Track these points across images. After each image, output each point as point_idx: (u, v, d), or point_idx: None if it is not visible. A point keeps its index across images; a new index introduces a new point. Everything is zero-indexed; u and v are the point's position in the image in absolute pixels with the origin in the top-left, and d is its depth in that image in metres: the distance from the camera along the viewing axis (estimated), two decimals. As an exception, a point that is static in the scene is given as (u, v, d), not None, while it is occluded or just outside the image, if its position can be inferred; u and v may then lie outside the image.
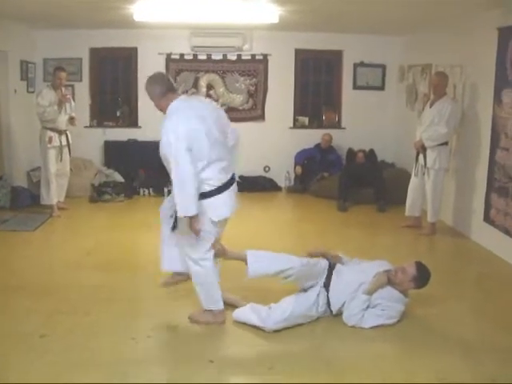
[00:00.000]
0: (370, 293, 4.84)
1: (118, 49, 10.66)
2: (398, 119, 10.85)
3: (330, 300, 4.91)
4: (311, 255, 5.08)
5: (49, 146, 8.40)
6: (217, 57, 10.81)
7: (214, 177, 4.54)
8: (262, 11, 8.01)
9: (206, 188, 4.53)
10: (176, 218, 4.63)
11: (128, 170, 10.25)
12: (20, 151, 9.47)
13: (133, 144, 10.54)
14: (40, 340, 4.48)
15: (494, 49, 6.91)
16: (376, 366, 4.20)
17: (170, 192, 4.59)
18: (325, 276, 4.95)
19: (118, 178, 10.21)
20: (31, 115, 8.80)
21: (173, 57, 10.70)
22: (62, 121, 8.49)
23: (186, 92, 10.13)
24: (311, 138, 10.83)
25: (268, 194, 10.47)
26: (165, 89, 4.62)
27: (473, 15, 7.45)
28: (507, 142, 6.68)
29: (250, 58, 10.85)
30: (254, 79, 10.94)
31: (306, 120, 11.28)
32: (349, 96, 11.18)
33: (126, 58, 10.82)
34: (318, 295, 4.87)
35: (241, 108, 10.74)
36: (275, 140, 10.80)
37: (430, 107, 7.74)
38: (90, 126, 10.75)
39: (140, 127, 10.72)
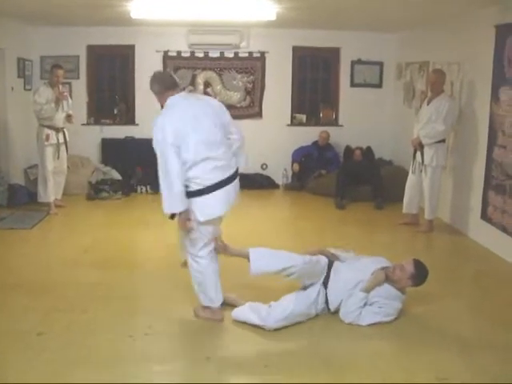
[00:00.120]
0: (367, 290, 4.84)
1: (116, 46, 10.65)
2: (396, 117, 10.86)
3: (329, 298, 4.91)
4: (310, 254, 5.08)
5: (46, 143, 8.39)
6: (214, 54, 10.81)
7: (201, 176, 4.52)
8: (259, 8, 8.01)
9: (194, 187, 4.54)
10: None
11: (125, 167, 10.24)
12: (17, 149, 9.46)
13: (130, 141, 10.53)
14: (37, 338, 4.48)
15: (491, 46, 6.91)
16: (374, 363, 4.20)
17: None
18: (325, 274, 4.95)
19: (116, 175, 10.20)
20: (28, 113, 8.79)
21: (170, 54, 10.68)
22: (59, 118, 8.48)
23: (183, 89, 10.10)
24: (309, 135, 10.83)
25: (265, 192, 10.47)
26: (163, 87, 4.69)
27: (470, 13, 7.45)
28: (504, 139, 6.69)
29: (247, 55, 10.84)
30: (252, 77, 10.94)
31: (303, 117, 11.28)
32: (346, 93, 11.19)
33: (124, 56, 10.81)
34: (317, 294, 4.87)
35: (238, 105, 10.73)
36: (272, 137, 10.80)
37: (428, 105, 7.73)
38: (88, 124, 10.75)
39: (137, 125, 10.71)
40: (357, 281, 4.87)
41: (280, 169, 10.93)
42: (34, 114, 8.43)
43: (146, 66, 10.57)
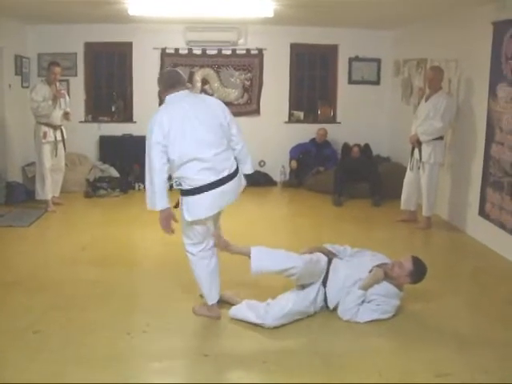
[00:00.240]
0: (365, 288, 4.84)
1: (113, 43, 10.65)
2: (394, 113, 10.87)
3: (327, 296, 4.90)
4: (308, 252, 5.08)
5: (43, 141, 8.38)
6: (212, 51, 10.81)
7: (190, 176, 4.52)
8: (256, 5, 8.02)
9: (185, 186, 4.57)
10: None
11: (123, 164, 10.24)
12: (15, 146, 9.45)
13: (128, 139, 10.52)
14: (35, 336, 4.47)
15: (489, 43, 6.91)
16: (372, 360, 4.20)
17: (171, 187, 4.60)
18: (324, 273, 4.94)
19: (114, 173, 10.20)
20: (26, 110, 8.78)
21: (168, 51, 10.68)
22: (56, 116, 8.47)
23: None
24: (306, 132, 10.84)
25: (263, 189, 10.46)
26: (165, 85, 4.77)
27: (468, 9, 7.45)
28: (502, 136, 6.69)
29: (244, 52, 10.84)
30: (249, 74, 10.94)
31: (301, 114, 11.28)
32: (344, 90, 11.19)
33: (121, 53, 10.82)
34: (317, 293, 4.86)
35: (236, 103, 10.72)
36: (270, 134, 10.79)
37: (426, 102, 7.74)
38: (85, 121, 10.75)
39: (135, 122, 10.71)
40: (355, 279, 4.87)
41: (278, 166, 10.93)
42: (31, 112, 8.42)
43: (144, 63, 10.61)
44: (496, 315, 5.06)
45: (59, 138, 8.60)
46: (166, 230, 4.66)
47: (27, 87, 9.57)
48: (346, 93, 11.17)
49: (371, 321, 4.79)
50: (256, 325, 4.68)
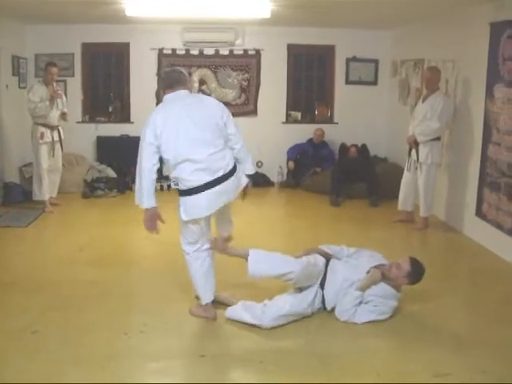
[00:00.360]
0: (363, 289, 4.84)
1: (110, 44, 10.64)
2: (391, 114, 10.88)
3: (325, 298, 4.90)
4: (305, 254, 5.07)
5: (41, 141, 8.37)
6: (209, 52, 10.80)
7: (184, 177, 4.55)
8: (254, 6, 8.02)
9: (182, 187, 4.61)
10: None
11: (120, 165, 10.23)
12: (12, 147, 9.44)
13: (125, 139, 10.51)
14: (33, 336, 4.47)
15: (486, 44, 6.92)
16: (369, 361, 4.21)
17: (169, 187, 4.64)
18: (322, 275, 4.94)
19: (111, 173, 10.20)
20: (23, 111, 8.77)
21: (165, 52, 10.68)
22: (53, 116, 8.46)
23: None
24: (304, 132, 10.84)
25: (260, 189, 10.45)
26: (164, 85, 4.84)
27: (465, 10, 7.46)
28: (499, 136, 6.70)
29: (242, 52, 10.84)
30: (247, 74, 10.94)
31: (298, 115, 11.29)
32: (341, 91, 11.19)
33: (119, 54, 10.81)
34: (314, 295, 4.86)
35: (233, 103, 10.71)
36: (267, 135, 10.79)
37: (423, 102, 7.75)
38: (83, 122, 10.73)
39: (132, 123, 10.70)
40: (353, 280, 4.86)
41: (275, 166, 10.94)
42: (29, 112, 8.42)
43: (141, 63, 10.61)
44: (493, 315, 5.07)
45: (56, 138, 8.60)
46: (150, 231, 4.72)
47: (24, 88, 9.56)
48: (343, 93, 11.18)
49: (369, 322, 4.80)
50: (253, 325, 4.68)
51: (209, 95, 10.07)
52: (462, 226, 7.73)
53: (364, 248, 5.39)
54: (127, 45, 10.65)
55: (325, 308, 4.94)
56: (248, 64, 10.90)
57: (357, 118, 11.01)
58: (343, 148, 10.46)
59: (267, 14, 8.35)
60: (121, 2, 7.78)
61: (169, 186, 9.94)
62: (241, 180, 4.79)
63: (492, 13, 6.80)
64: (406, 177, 8.06)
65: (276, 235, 7.54)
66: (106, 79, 11.00)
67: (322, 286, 4.91)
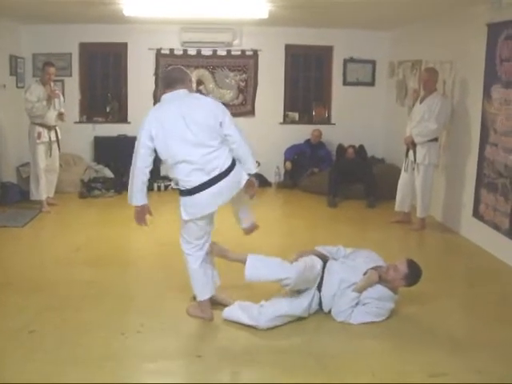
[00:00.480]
0: (359, 291, 4.84)
1: (108, 44, 10.64)
2: (388, 115, 10.89)
3: (322, 300, 4.90)
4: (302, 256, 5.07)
5: (38, 141, 8.36)
6: (207, 52, 10.80)
7: (182, 178, 4.57)
8: (251, 6, 8.02)
9: (181, 187, 4.64)
10: None
11: (118, 165, 10.21)
12: (9, 146, 9.43)
13: (122, 139, 10.50)
14: (29, 336, 4.47)
15: (483, 45, 6.93)
16: (366, 361, 4.21)
17: (166, 188, 4.67)
18: (319, 278, 4.94)
19: (108, 173, 10.20)
20: (20, 110, 8.75)
21: (163, 52, 10.67)
22: (50, 116, 8.46)
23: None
24: (301, 133, 10.85)
25: (258, 190, 10.36)
26: (163, 85, 4.86)
27: (462, 11, 7.47)
28: (496, 137, 6.71)
29: (239, 53, 10.84)
30: (244, 75, 10.94)
31: (296, 115, 11.29)
32: (339, 92, 11.20)
33: (116, 54, 10.81)
34: (312, 298, 4.85)
35: (231, 103, 10.70)
36: (265, 135, 10.77)
37: (420, 103, 7.75)
38: (80, 122, 10.73)
39: (130, 123, 10.69)
40: (350, 283, 4.85)
41: (272, 167, 10.92)
42: (26, 112, 8.41)
43: (139, 63, 10.60)
44: (490, 316, 5.07)
45: (53, 138, 8.59)
46: (139, 224, 4.81)
47: (22, 87, 9.54)
48: (340, 94, 11.19)
49: (365, 323, 4.80)
50: (249, 326, 4.69)
51: (207, 96, 10.06)
52: (459, 226, 7.74)
53: (361, 248, 5.39)
54: (125, 45, 10.64)
55: (321, 309, 4.94)
56: (246, 64, 10.90)
57: (354, 118, 11.01)
58: (340, 149, 10.46)
59: (265, 15, 8.36)
60: (119, 2, 7.78)
61: (166, 187, 9.95)
62: (242, 178, 4.73)
63: (489, 14, 6.81)
64: (404, 178, 8.07)
65: (273, 236, 7.53)
66: (103, 79, 10.99)
67: (319, 288, 4.90)
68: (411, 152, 7.79)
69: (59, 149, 8.79)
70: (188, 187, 4.56)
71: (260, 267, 4.69)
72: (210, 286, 4.92)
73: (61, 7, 8.13)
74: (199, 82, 10.78)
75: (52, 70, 8.44)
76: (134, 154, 4.60)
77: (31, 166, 8.64)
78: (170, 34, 10.52)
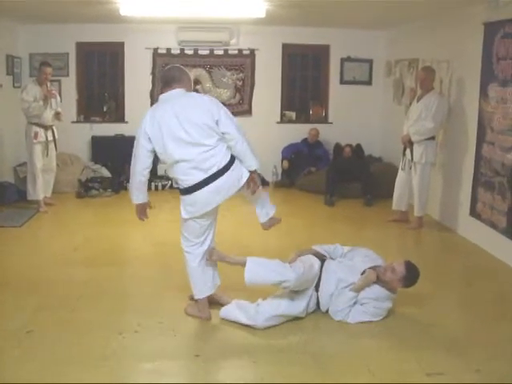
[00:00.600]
0: (357, 290, 4.83)
1: (105, 43, 10.63)
2: (385, 114, 10.89)
3: (320, 300, 4.90)
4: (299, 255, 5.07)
5: (34, 141, 8.35)
6: (204, 51, 10.79)
7: (180, 177, 4.59)
8: (248, 6, 8.02)
9: (180, 186, 4.67)
10: None
11: (115, 165, 10.21)
12: (6, 146, 9.43)
13: (120, 139, 10.50)
14: (27, 336, 4.47)
15: (480, 44, 6.94)
16: (364, 360, 4.21)
17: (163, 187, 4.70)
18: (317, 278, 4.94)
19: (105, 173, 10.20)
20: (17, 110, 8.73)
21: (160, 51, 10.66)
22: (47, 116, 8.44)
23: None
24: (298, 132, 10.85)
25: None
26: (162, 84, 4.82)
27: (459, 10, 7.47)
28: (493, 136, 6.72)
29: (236, 52, 10.84)
30: (241, 74, 10.94)
31: (293, 115, 11.30)
32: (336, 91, 11.20)
33: (113, 53, 10.80)
34: (309, 298, 4.85)
35: (228, 103, 10.69)
36: (262, 135, 10.73)
37: (417, 102, 7.76)
38: (77, 122, 10.72)
39: (127, 122, 10.69)
40: (348, 283, 4.85)
41: (270, 166, 10.92)
42: (23, 112, 8.40)
43: (136, 63, 10.60)
44: (488, 314, 5.08)
45: (50, 138, 8.58)
46: (140, 218, 4.91)
47: (19, 87, 9.53)
48: (337, 93, 11.19)
49: (363, 322, 4.80)
50: (247, 325, 4.69)
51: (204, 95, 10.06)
52: (456, 225, 7.75)
53: (359, 247, 5.39)
54: (122, 44, 10.64)
55: (319, 308, 4.94)
56: (243, 64, 10.90)
57: (351, 117, 11.02)
58: (338, 148, 10.47)
59: (262, 14, 8.35)
60: (115, 2, 7.77)
61: (163, 186, 9.95)
62: (242, 175, 4.69)
63: (486, 13, 6.82)
64: (401, 176, 8.07)
65: (270, 235, 7.49)
66: (100, 79, 10.98)
67: (316, 287, 4.90)
68: (408, 151, 7.80)
69: (56, 148, 8.78)
70: (186, 186, 4.57)
71: (260, 270, 4.68)
72: (209, 285, 4.91)
73: (58, 7, 8.12)
74: (196, 82, 10.76)
75: (49, 69, 8.43)
76: (133, 155, 4.61)
77: (28, 165, 8.63)
78: (167, 34, 10.51)
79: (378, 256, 5.17)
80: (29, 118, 8.38)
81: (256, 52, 10.86)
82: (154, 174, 9.20)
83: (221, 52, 10.82)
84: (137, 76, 10.61)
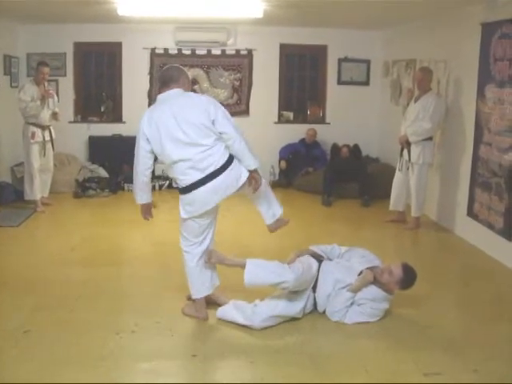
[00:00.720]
0: (354, 291, 4.84)
1: (103, 43, 10.62)
2: (383, 114, 10.90)
3: (317, 301, 4.90)
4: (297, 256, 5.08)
5: (32, 141, 8.35)
6: (201, 51, 10.79)
7: (178, 176, 4.61)
8: (246, 6, 8.02)
9: (178, 186, 4.70)
10: None
11: (112, 165, 10.22)
12: (3, 146, 9.41)
13: (117, 139, 10.50)
14: (25, 336, 4.46)
15: (477, 44, 6.94)
16: (360, 360, 4.21)
17: (160, 187, 4.72)
18: (315, 279, 4.94)
19: (103, 173, 10.19)
20: (15, 110, 8.72)
21: (157, 51, 10.66)
22: (44, 116, 8.44)
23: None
24: (296, 132, 10.85)
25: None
26: (160, 84, 4.81)
27: (456, 11, 7.48)
28: (490, 136, 6.72)
29: (234, 52, 10.84)
30: (239, 74, 10.94)
31: (290, 115, 11.30)
32: (333, 91, 11.21)
33: (111, 53, 10.79)
34: (307, 299, 4.85)
35: (225, 103, 10.68)
36: (260, 135, 10.73)
37: (415, 102, 7.77)
38: (75, 121, 10.71)
39: (124, 122, 10.69)
40: (345, 284, 4.85)
41: (267, 166, 10.90)
42: (20, 112, 8.39)
43: (134, 63, 10.59)
44: (485, 315, 5.08)
45: (48, 138, 8.58)
46: (145, 218, 4.96)
47: (16, 87, 9.51)
48: (335, 93, 11.20)
49: (360, 322, 4.81)
50: (244, 326, 4.69)
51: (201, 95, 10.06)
52: (453, 225, 7.75)
53: (356, 247, 5.39)
54: (119, 44, 10.63)
55: (316, 310, 4.94)
56: (240, 64, 10.90)
57: (349, 118, 11.03)
58: (335, 148, 10.47)
59: (260, 14, 8.35)
60: (113, 2, 7.76)
61: (160, 186, 9.94)
62: (241, 175, 4.68)
63: (483, 13, 6.83)
64: (398, 177, 8.08)
65: (270, 234, 7.49)
66: (98, 79, 10.97)
67: (313, 288, 4.90)
68: (406, 151, 7.81)
69: (53, 148, 8.78)
70: (183, 185, 4.58)
71: (259, 272, 4.68)
72: (206, 285, 4.91)
73: (56, 7, 8.11)
74: (194, 82, 10.76)
75: (46, 69, 8.43)
76: (135, 156, 4.64)
77: (25, 165, 8.62)
78: (165, 34, 10.51)
79: (375, 256, 5.18)
80: (26, 118, 8.37)
81: (253, 52, 10.86)
82: (152, 174, 9.17)
83: (218, 52, 10.82)
84: (134, 76, 10.61)
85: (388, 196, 8.24)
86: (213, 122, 4.51)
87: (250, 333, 4.61)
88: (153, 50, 10.65)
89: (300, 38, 10.76)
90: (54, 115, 8.61)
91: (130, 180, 9.69)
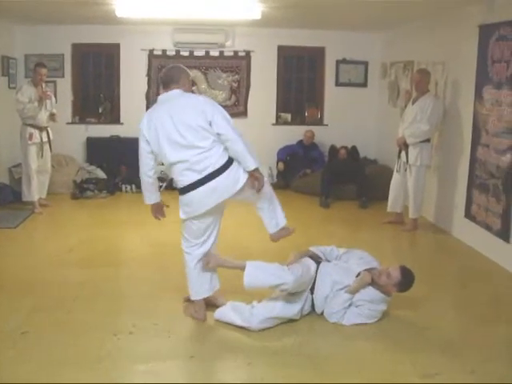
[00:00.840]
0: (352, 292, 4.83)
1: (101, 45, 10.62)
2: (381, 116, 10.91)
3: (315, 302, 4.90)
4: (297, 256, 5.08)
5: (29, 142, 8.34)
6: (199, 53, 10.79)
7: (176, 178, 4.64)
8: (244, 7, 8.02)
9: (177, 186, 4.72)
10: None
11: (110, 166, 10.21)
12: (1, 147, 9.40)
13: (115, 140, 10.50)
14: (22, 337, 4.46)
15: (475, 46, 6.95)
16: (358, 362, 4.22)
17: (159, 188, 4.75)
18: (313, 280, 4.94)
19: (101, 174, 10.18)
20: (13, 111, 8.71)
21: (155, 53, 10.66)
22: (42, 117, 8.43)
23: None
24: (294, 134, 10.86)
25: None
26: (161, 85, 4.91)
27: (454, 12, 7.49)
28: (488, 138, 6.73)
29: (232, 54, 10.84)
30: (237, 76, 10.94)
31: (288, 116, 11.30)
32: (331, 93, 11.22)
33: (109, 54, 10.79)
34: (304, 301, 4.85)
35: (223, 104, 10.60)
36: (258, 136, 10.68)
37: (413, 104, 7.77)
38: (72, 123, 10.70)
39: (122, 124, 10.69)
40: (343, 285, 4.85)
41: (265, 168, 10.89)
42: (18, 113, 8.39)
43: (132, 64, 10.59)
44: (482, 316, 5.08)
45: (45, 139, 8.57)
46: (156, 218, 5.00)
47: (14, 88, 9.51)
48: (333, 95, 11.20)
49: (358, 324, 4.81)
50: (241, 327, 4.69)
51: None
52: (451, 227, 7.76)
53: (354, 249, 5.39)
54: (117, 45, 10.63)
55: (314, 311, 4.94)
56: (238, 65, 10.91)
57: (347, 119, 11.04)
58: (333, 150, 10.47)
59: (257, 16, 8.36)
60: (111, 3, 7.77)
61: (159, 188, 9.92)
62: (240, 177, 4.64)
63: (481, 15, 6.84)
64: (396, 178, 8.08)
65: (266, 236, 7.52)
66: (96, 80, 10.97)
67: (311, 290, 4.90)
68: (403, 153, 7.81)
69: (51, 150, 8.76)
70: (181, 186, 4.60)
71: (259, 274, 4.68)
72: (206, 287, 4.91)
73: (54, 7, 8.11)
74: (192, 83, 10.75)
75: (43, 71, 8.43)
76: (139, 157, 4.68)
77: (23, 166, 8.61)
78: (163, 35, 10.51)
79: (373, 258, 5.18)
80: (24, 119, 8.36)
81: (251, 54, 10.86)
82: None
83: (216, 54, 10.82)
84: (132, 77, 10.60)
85: (386, 198, 8.24)
86: (210, 124, 4.49)
87: (248, 334, 4.61)
88: (151, 51, 10.65)
89: (298, 39, 10.78)
90: (52, 116, 8.60)
91: (127, 181, 9.80)
